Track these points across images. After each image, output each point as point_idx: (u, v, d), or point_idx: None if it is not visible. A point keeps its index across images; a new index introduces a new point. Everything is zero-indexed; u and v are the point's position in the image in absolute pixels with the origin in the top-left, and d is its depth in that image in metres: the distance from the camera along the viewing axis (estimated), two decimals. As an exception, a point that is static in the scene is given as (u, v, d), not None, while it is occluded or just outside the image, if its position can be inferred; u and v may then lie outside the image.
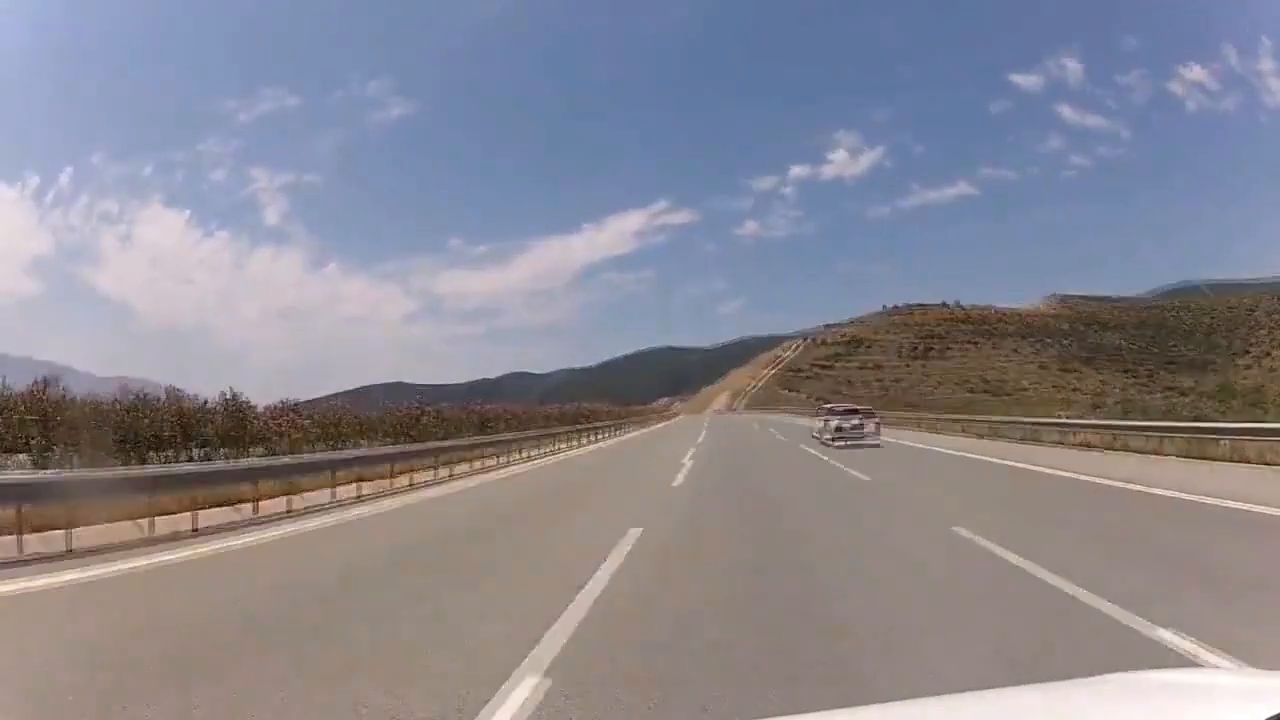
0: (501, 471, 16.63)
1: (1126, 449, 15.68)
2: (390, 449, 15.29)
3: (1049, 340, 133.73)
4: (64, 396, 13.32)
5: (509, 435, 21.72)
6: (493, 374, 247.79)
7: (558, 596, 4.73)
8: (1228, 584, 4.72)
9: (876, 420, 22.04)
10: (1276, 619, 3.96)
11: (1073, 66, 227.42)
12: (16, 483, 7.82)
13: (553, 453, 22.35)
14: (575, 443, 25.89)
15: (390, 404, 26.28)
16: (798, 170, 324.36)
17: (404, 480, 13.06)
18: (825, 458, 17.13)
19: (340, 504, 10.46)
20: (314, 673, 3.49)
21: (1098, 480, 10.81)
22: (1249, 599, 4.34)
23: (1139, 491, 9.46)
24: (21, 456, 11.63)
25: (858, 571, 5.59)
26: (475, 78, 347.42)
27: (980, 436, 22.75)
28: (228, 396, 16.09)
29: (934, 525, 7.42)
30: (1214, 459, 13.04)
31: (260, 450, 15.27)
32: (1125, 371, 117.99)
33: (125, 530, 7.77)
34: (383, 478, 12.64)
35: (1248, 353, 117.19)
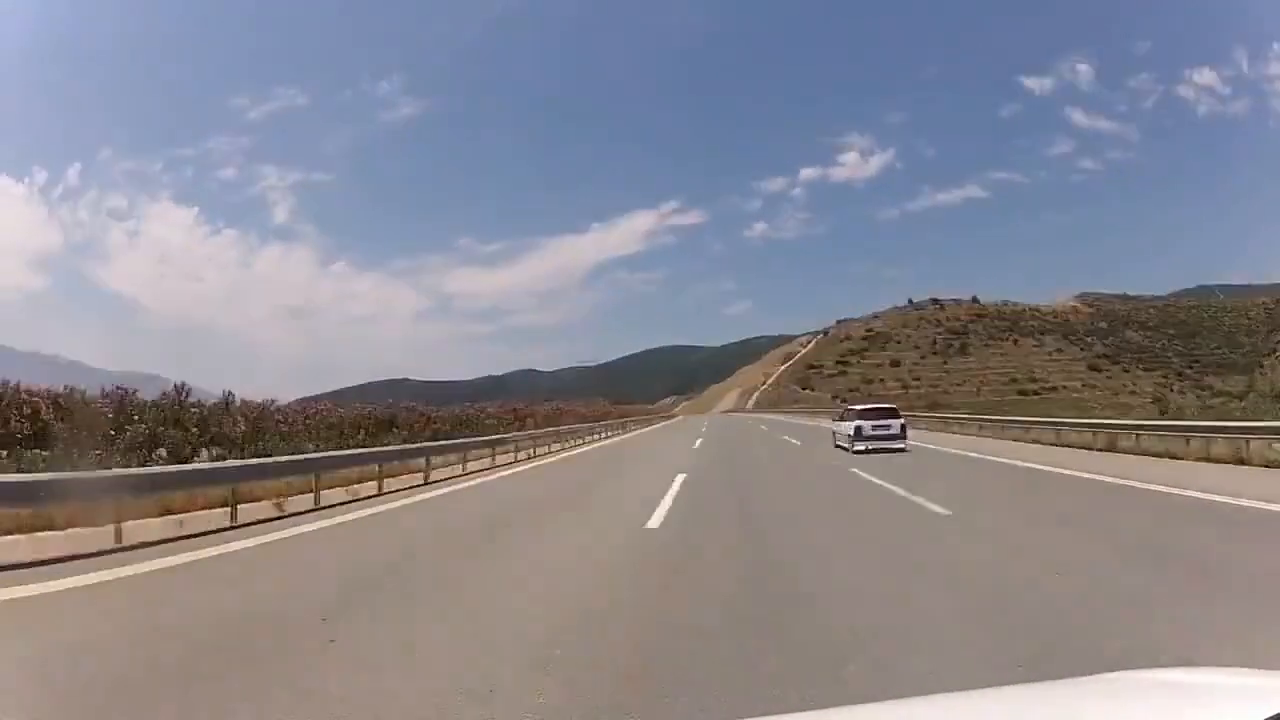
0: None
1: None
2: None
3: (1074, 338, 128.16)
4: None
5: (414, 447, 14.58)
6: (499, 372, 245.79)
7: None
8: None
9: (901, 421, 18.32)
10: None
11: (1084, 70, 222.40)
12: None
13: (485, 469, 15.56)
14: (529, 453, 19.95)
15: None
16: (808, 172, 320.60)
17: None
18: (876, 479, 11.10)
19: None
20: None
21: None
22: None
23: None
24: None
25: None
26: (486, 77, 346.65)
27: (1013, 439, 19.03)
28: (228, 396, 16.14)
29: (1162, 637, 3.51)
30: None
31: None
32: (1153, 370, 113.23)
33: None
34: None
35: (1273, 353, 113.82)
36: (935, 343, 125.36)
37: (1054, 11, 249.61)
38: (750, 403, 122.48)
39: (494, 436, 19.07)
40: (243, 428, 14.75)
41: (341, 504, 9.61)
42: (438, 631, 3.96)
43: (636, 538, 6.92)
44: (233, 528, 7.62)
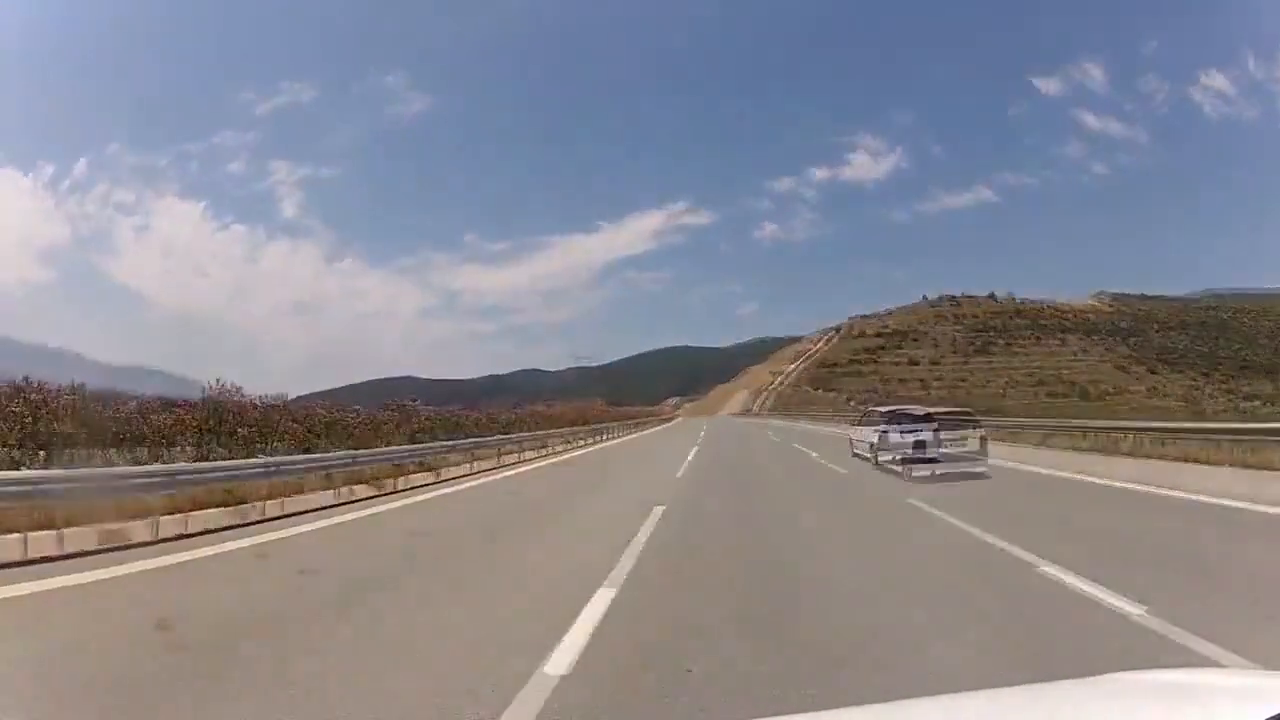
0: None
1: None
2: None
3: (1097, 338, 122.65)
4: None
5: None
6: (504, 370, 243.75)
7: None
8: None
9: (982, 433, 14.05)
10: None
11: (1094, 71, 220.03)
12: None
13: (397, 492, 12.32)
14: (467, 467, 16.29)
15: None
16: (817, 172, 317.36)
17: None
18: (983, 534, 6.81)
19: None
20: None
21: None
22: None
23: None
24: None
25: None
26: (494, 73, 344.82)
27: (1078, 450, 15.03)
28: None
29: None
30: None
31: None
32: (1180, 372, 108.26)
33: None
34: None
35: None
36: (955, 341, 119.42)
37: (1065, 13, 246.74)
38: (760, 405, 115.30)
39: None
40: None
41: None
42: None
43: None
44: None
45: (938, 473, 12.52)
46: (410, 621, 4.61)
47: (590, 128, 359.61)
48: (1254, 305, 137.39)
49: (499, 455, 19.14)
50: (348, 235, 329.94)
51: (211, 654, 3.88)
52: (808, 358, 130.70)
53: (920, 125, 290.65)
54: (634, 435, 40.94)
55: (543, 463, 20.15)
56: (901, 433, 13.76)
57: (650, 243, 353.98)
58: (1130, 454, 14.94)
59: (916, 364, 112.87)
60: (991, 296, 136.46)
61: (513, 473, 16.81)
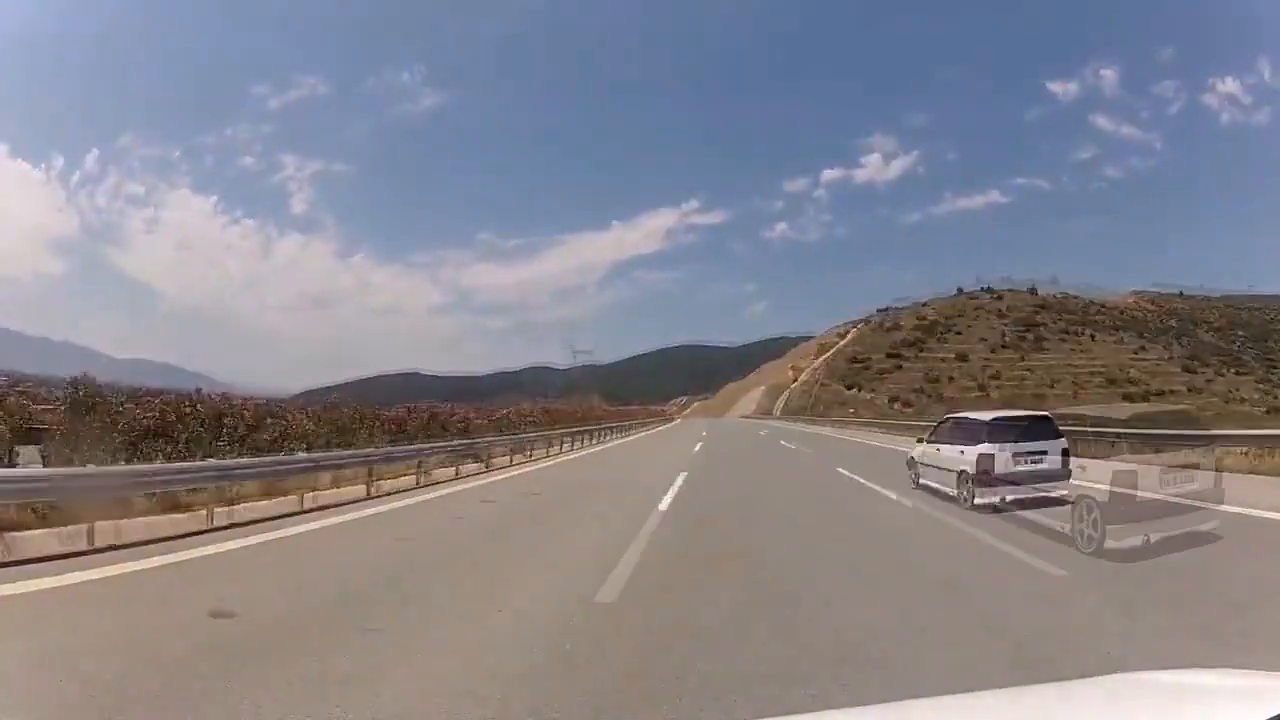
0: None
1: None
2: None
3: (1149, 335, 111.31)
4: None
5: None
6: (514, 367, 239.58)
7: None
8: None
9: (1214, 456, 6.64)
10: None
11: (1108, 75, 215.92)
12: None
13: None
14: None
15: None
16: (830, 173, 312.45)
17: None
18: None
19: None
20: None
21: None
22: None
23: None
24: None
25: None
26: (509, 70, 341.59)
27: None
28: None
29: None
30: None
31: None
32: (1239, 374, 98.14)
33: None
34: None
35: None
36: (1004, 335, 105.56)
37: (1081, 17, 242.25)
38: (778, 406, 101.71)
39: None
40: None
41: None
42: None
43: None
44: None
45: (1153, 539, 5.95)
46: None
47: (603, 126, 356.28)
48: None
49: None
50: (359, 231, 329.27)
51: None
52: (834, 352, 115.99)
53: (934, 128, 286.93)
54: (629, 438, 33.86)
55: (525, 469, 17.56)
56: (1030, 458, 8.69)
57: (662, 241, 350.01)
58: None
59: (966, 359, 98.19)
60: (1033, 290, 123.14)
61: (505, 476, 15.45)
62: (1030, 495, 7.95)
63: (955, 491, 9.45)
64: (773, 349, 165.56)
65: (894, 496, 10.69)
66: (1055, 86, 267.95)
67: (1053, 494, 7.85)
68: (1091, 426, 9.93)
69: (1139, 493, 5.82)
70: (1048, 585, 5.29)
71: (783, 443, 27.61)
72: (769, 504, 11.25)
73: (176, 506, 8.74)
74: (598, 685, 3.47)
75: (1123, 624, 4.29)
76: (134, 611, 4.95)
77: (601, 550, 6.91)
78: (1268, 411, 65.98)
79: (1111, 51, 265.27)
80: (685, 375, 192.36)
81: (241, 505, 9.24)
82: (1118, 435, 10.16)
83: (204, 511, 8.42)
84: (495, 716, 3.11)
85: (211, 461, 9.70)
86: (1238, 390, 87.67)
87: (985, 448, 8.86)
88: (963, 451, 9.39)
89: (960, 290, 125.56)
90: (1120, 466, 6.16)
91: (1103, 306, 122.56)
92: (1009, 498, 8.15)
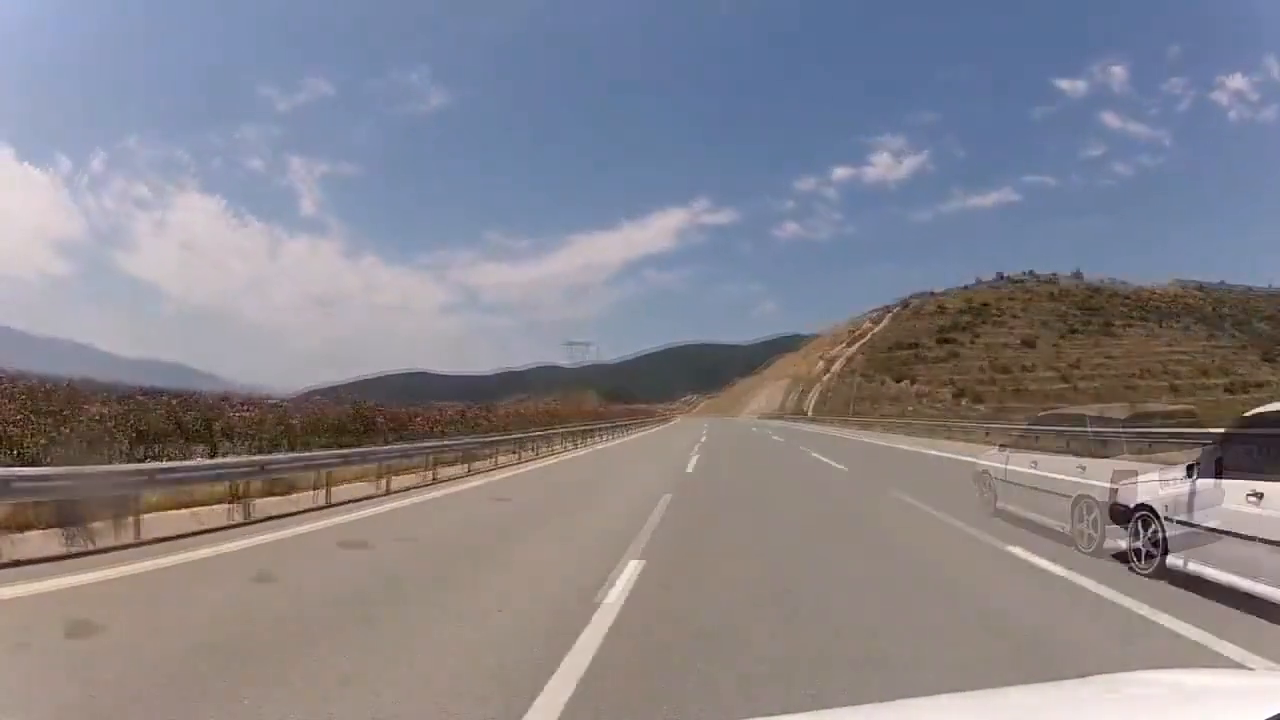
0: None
1: None
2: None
3: (1214, 325, 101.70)
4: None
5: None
6: (520, 366, 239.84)
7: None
8: None
9: None
10: None
11: (1118, 72, 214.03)
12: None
13: None
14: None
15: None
16: (840, 172, 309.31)
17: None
18: None
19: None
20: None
21: None
22: None
23: None
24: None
25: None
26: (516, 69, 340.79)
27: None
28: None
29: None
30: None
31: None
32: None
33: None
34: None
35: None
36: (1066, 319, 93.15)
37: (1089, 15, 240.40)
38: (809, 402, 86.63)
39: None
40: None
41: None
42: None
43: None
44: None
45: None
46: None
47: (613, 125, 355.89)
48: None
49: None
50: (367, 231, 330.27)
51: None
52: (868, 339, 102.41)
53: (944, 126, 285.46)
54: (567, 456, 20.60)
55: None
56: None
57: (672, 241, 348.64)
58: None
59: (1032, 345, 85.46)
60: (1078, 274, 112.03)
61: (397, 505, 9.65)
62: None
63: (1069, 527, 6.45)
64: (780, 348, 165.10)
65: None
66: (1064, 84, 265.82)
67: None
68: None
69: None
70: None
71: (807, 454, 18.40)
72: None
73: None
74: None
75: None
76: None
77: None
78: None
79: (1120, 48, 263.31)
80: (693, 374, 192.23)
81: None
82: None
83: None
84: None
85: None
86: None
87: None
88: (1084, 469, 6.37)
89: (1002, 275, 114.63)
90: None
91: (1153, 294, 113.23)
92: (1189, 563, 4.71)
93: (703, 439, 29.21)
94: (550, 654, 3.48)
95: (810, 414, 73.27)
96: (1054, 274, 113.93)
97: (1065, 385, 68.72)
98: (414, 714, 2.85)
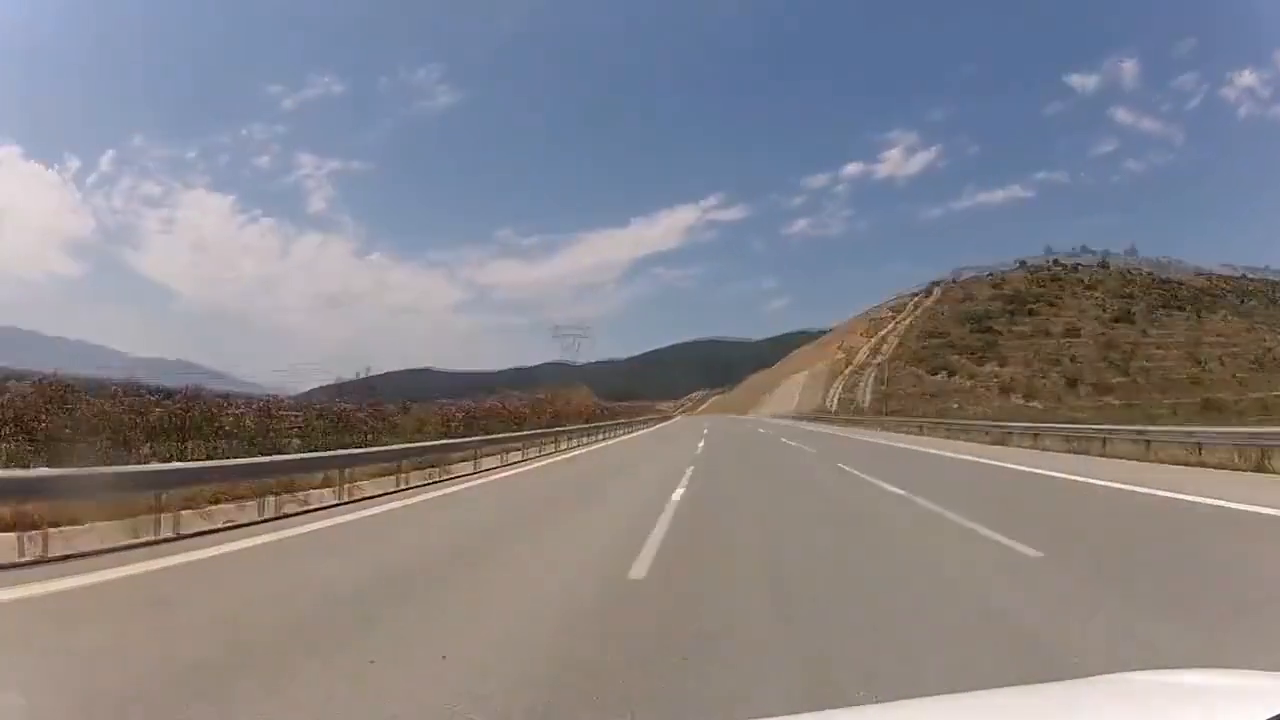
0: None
1: None
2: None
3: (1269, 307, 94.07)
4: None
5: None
6: (530, 363, 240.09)
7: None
8: None
9: None
10: None
11: (1128, 68, 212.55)
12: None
13: None
14: None
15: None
16: (851, 169, 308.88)
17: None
18: None
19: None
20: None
21: None
22: None
23: None
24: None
25: None
26: (527, 67, 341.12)
27: None
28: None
29: None
30: None
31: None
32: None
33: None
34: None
35: None
36: (1129, 308, 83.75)
37: (1100, 11, 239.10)
38: (833, 398, 76.34)
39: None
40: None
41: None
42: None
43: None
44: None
45: None
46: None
47: (623, 123, 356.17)
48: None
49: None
50: (377, 229, 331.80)
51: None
52: (896, 327, 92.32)
53: (954, 122, 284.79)
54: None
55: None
56: None
57: (682, 238, 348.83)
58: None
59: (1078, 333, 76.27)
60: (1132, 251, 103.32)
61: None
62: None
63: None
64: (791, 344, 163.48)
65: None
66: (1075, 79, 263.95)
67: None
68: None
69: None
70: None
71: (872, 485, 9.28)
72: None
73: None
74: None
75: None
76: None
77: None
78: None
79: (1130, 44, 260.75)
80: (703, 370, 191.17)
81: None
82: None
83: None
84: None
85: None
86: None
87: None
88: None
89: (1049, 250, 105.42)
90: None
91: (1210, 278, 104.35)
92: None
93: (700, 443, 21.29)
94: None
95: (835, 411, 66.24)
96: (1086, 263, 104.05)
97: (1126, 378, 61.86)
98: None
